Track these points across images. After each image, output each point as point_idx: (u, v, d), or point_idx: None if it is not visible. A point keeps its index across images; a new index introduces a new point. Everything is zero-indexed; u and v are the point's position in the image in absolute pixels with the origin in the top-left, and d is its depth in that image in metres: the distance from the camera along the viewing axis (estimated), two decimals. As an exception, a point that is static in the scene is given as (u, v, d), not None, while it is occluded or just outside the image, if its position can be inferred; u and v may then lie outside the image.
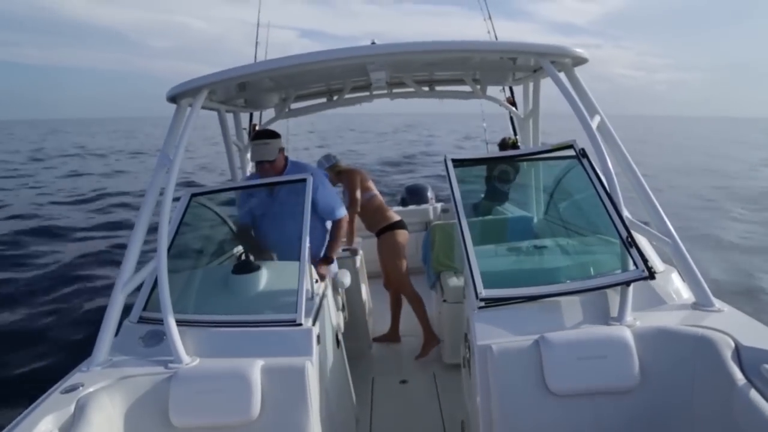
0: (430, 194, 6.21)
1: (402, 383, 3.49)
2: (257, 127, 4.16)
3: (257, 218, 3.07)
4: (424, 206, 5.82)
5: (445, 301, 3.51)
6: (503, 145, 4.81)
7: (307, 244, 2.24)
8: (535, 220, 3.57)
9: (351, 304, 3.77)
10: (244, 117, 4.10)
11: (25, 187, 18.17)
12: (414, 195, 6.21)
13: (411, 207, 5.87)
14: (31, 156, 31.54)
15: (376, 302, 4.75)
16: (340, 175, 4.16)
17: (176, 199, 2.41)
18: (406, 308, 4.03)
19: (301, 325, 1.99)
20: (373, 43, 2.52)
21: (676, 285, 2.11)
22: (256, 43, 4.45)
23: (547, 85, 3.48)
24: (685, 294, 2.08)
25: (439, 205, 5.79)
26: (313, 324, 2.06)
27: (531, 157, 2.76)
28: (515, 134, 4.42)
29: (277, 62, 2.40)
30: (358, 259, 4.16)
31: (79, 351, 2.16)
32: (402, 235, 4.11)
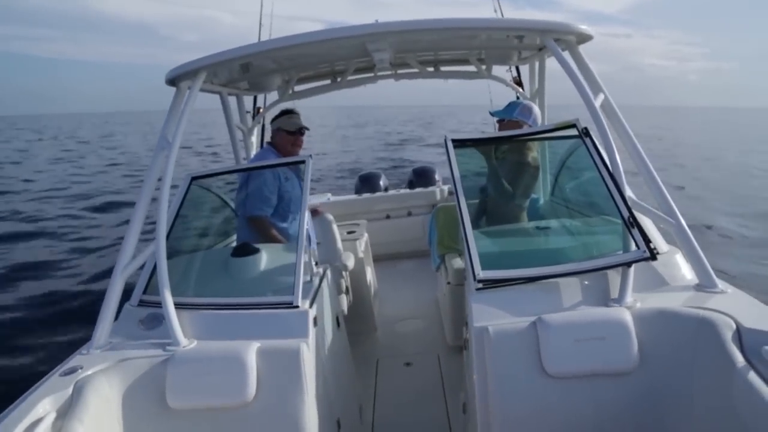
0: (437, 176, 6.17)
1: (406, 365, 3.50)
2: (260, 110, 4.14)
3: (289, 204, 2.97)
4: (431, 188, 5.78)
5: (449, 283, 3.49)
6: None
7: (305, 226, 2.23)
8: (542, 201, 3.51)
9: (355, 286, 3.77)
10: (248, 101, 4.08)
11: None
12: (421, 177, 6.17)
13: (418, 189, 5.84)
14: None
15: (382, 285, 4.75)
16: None
17: (174, 187, 2.38)
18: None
19: (297, 307, 1.99)
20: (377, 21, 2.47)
21: (679, 266, 2.06)
22: (260, 25, 4.38)
23: (554, 63, 3.39)
24: (689, 275, 2.03)
25: (446, 188, 5.73)
26: (311, 306, 2.05)
27: (533, 136, 2.70)
28: None
29: (275, 42, 2.37)
30: (363, 241, 4.14)
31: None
32: None
